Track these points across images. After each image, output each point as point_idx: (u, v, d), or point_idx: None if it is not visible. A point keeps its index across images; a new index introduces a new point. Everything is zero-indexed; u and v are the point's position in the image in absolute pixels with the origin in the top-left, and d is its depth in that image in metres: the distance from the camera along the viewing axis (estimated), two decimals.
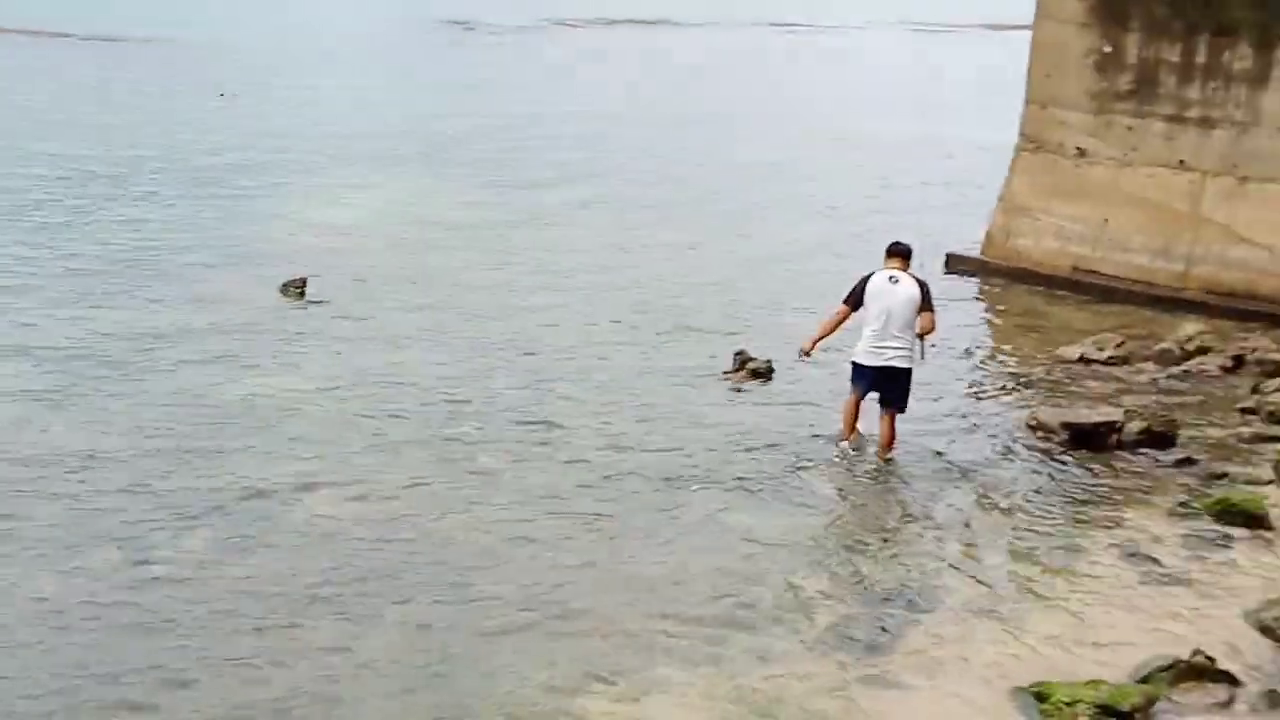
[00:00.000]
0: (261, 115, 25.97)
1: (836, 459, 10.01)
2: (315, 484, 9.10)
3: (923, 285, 9.94)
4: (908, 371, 9.90)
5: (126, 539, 8.17)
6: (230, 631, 7.23)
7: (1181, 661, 7.03)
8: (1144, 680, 6.96)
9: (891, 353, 9.79)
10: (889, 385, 9.92)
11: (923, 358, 10.09)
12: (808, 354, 10.34)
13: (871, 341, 9.84)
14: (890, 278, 9.89)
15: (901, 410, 10.00)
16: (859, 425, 10.16)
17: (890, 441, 9.99)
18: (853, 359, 10.06)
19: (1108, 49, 15.21)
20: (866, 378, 9.95)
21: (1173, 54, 14.85)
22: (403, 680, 6.83)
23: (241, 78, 30.69)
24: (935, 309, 9.99)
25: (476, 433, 10.22)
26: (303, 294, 13.33)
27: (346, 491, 9.03)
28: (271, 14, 49.71)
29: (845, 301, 10.06)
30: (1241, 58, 14.37)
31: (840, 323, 10.16)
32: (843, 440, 10.14)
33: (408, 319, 13.09)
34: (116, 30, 39.98)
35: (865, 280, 9.97)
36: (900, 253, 10.15)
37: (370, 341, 12.29)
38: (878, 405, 10.07)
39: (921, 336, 9.93)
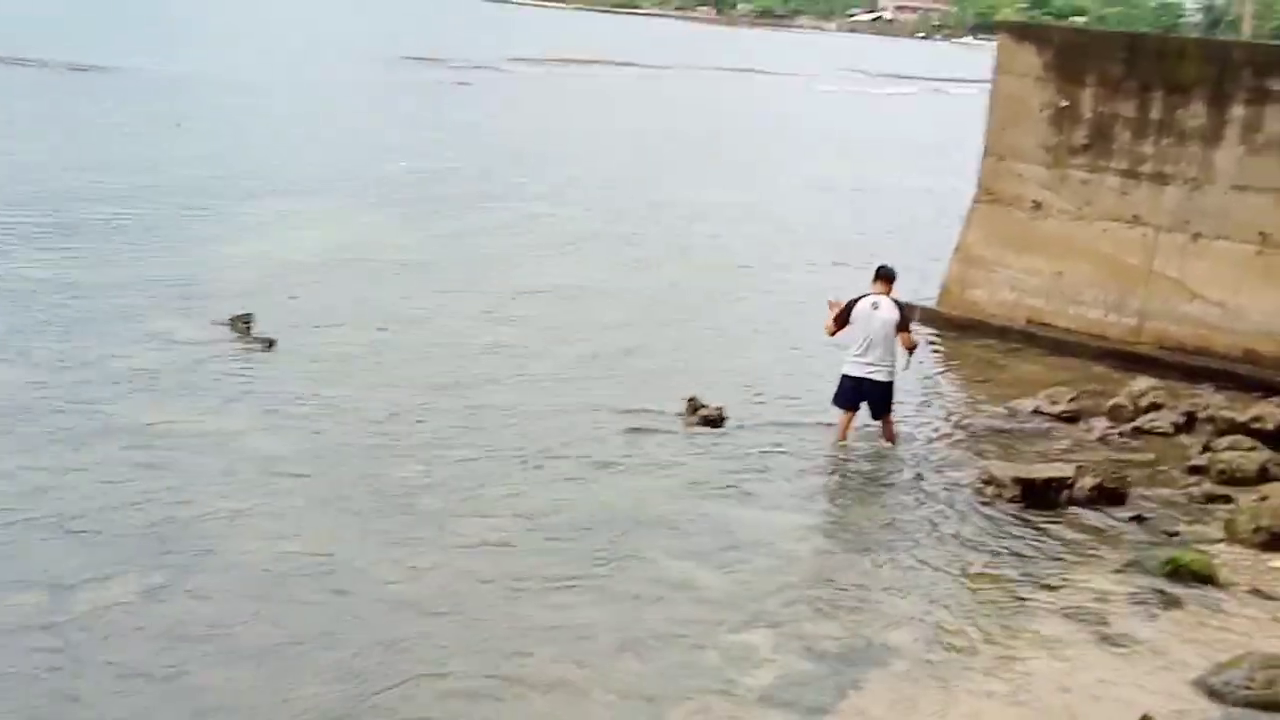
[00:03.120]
0: (216, 148, 25.69)
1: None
2: (248, 525, 8.85)
3: (901, 308, 11.21)
4: (889, 384, 11.22)
5: (49, 582, 7.88)
6: (149, 678, 6.97)
7: None
8: None
9: (873, 368, 11.08)
10: (873, 396, 11.20)
11: (906, 367, 11.43)
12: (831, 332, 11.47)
13: (855, 358, 11.14)
14: (873, 304, 11.10)
15: (889, 413, 11.34)
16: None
17: (891, 437, 11.36)
18: (842, 370, 11.26)
19: (1064, 103, 15.28)
20: (851, 388, 11.19)
21: (1127, 109, 14.96)
22: None
23: (199, 110, 30.43)
24: (912, 329, 11.44)
25: (418, 474, 10.00)
26: (249, 329, 13.08)
27: (280, 531, 8.79)
28: (235, 47, 49.62)
29: (834, 321, 11.30)
30: (1195, 115, 14.47)
31: (833, 332, 11.42)
32: (839, 440, 11.32)
33: (353, 355, 12.88)
34: (78, 58, 39.63)
35: (853, 303, 11.18)
36: (885, 276, 11.35)
37: (314, 378, 12.03)
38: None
39: (909, 352, 11.26)
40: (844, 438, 11.32)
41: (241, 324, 13.15)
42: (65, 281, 14.80)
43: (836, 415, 11.42)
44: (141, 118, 28.96)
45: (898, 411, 11.59)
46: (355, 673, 7.16)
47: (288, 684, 7.02)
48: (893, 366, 11.15)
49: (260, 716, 6.73)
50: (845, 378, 11.23)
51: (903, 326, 11.13)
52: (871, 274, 11.52)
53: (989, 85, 16.16)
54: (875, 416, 11.32)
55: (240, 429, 10.63)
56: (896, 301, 11.22)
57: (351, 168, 24.91)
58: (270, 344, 12.75)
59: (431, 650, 7.47)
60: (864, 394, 11.21)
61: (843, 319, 11.19)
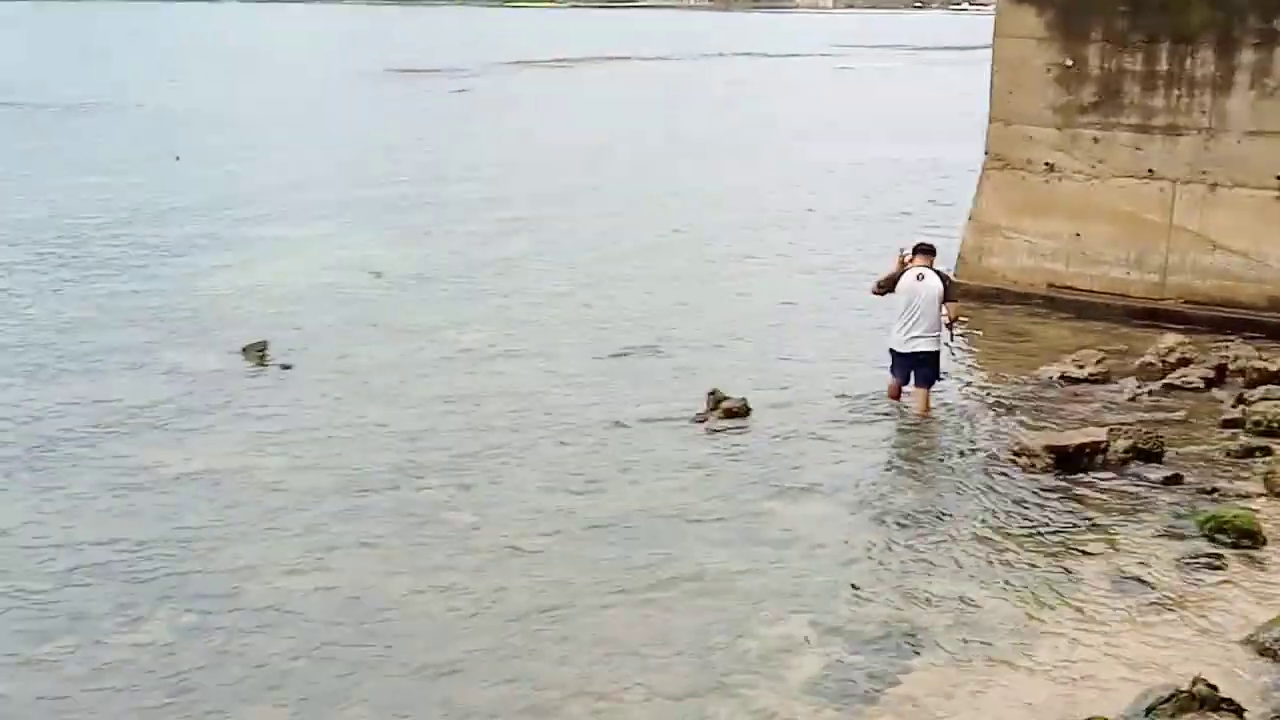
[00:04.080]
0: (215, 177, 25.69)
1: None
2: (279, 557, 8.76)
3: (945, 279, 11.49)
4: (935, 354, 11.46)
5: (80, 625, 7.82)
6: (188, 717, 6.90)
7: (1183, 691, 6.74)
8: (1148, 713, 6.68)
9: (920, 340, 11.29)
10: (919, 367, 11.45)
11: (951, 340, 11.82)
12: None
13: (902, 331, 11.34)
14: (918, 275, 11.30)
15: (932, 384, 11.54)
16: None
17: (926, 409, 11.49)
18: (889, 346, 11.56)
19: (1069, 63, 15.08)
20: (901, 363, 11.50)
21: (1135, 63, 14.74)
22: None
23: (195, 140, 30.43)
24: (957, 298, 11.65)
25: (445, 489, 9.90)
26: (263, 356, 13.01)
27: (312, 562, 8.69)
28: (223, 76, 49.73)
29: (879, 285, 11.58)
30: (1203, 63, 14.26)
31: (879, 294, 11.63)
32: (891, 399, 11.71)
33: (369, 374, 12.80)
34: (59, 97, 39.71)
35: (896, 276, 11.41)
36: (926, 251, 11.55)
37: (333, 401, 11.96)
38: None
39: (950, 324, 11.45)
40: (897, 397, 11.70)
41: (256, 352, 13.08)
42: (76, 318, 14.80)
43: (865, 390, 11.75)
44: (138, 153, 28.97)
45: (901, 439, 11.27)
46: (397, 703, 7.07)
47: (321, 713, 6.93)
48: (939, 334, 11.40)
49: None
50: (895, 354, 11.53)
51: (948, 296, 11.36)
52: (910, 248, 11.66)
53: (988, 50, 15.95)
54: (919, 384, 11.51)
55: (265, 459, 10.53)
56: (939, 272, 11.51)
57: (349, 186, 24.83)
58: (287, 368, 12.68)
59: (474, 670, 7.36)
60: (914, 365, 11.47)
61: (888, 288, 11.47)
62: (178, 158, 27.70)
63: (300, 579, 8.43)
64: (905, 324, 11.32)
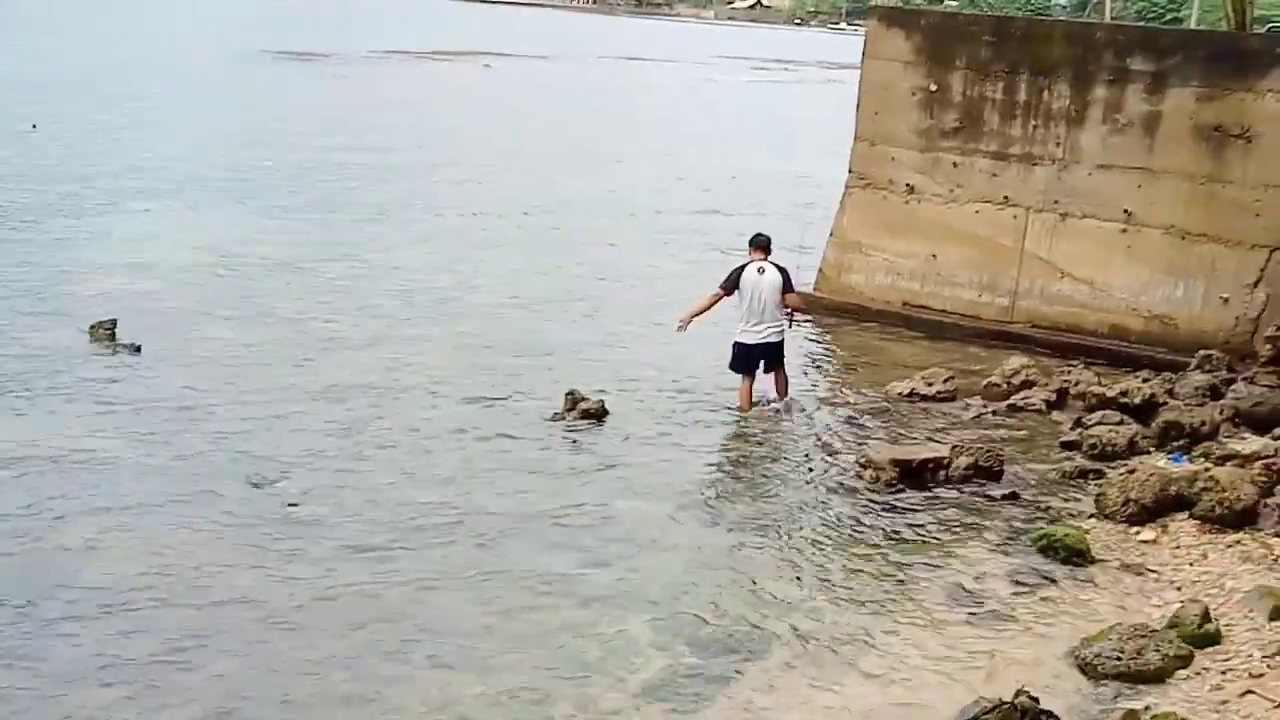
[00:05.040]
0: (73, 149, 24.84)
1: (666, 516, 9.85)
2: (114, 539, 8.55)
3: (783, 271, 11.87)
4: (781, 343, 11.96)
5: None
6: (11, 706, 6.70)
7: (1005, 702, 6.97)
8: None
9: (767, 330, 11.76)
10: (769, 355, 11.91)
11: (791, 326, 12.21)
12: (683, 328, 12.03)
13: (749, 324, 11.74)
14: (758, 269, 11.75)
15: (782, 367, 12.04)
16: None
17: (784, 390, 12.07)
18: (735, 339, 11.84)
19: (933, 88, 15.46)
20: (747, 354, 11.84)
21: (995, 92, 15.17)
22: None
23: (55, 111, 29.45)
24: (796, 288, 12.10)
25: (289, 481, 9.75)
26: (113, 336, 12.66)
27: (147, 547, 8.49)
28: (99, 48, 48.27)
29: (721, 287, 11.85)
30: (1060, 96, 14.74)
31: (714, 304, 11.96)
32: (742, 413, 11.87)
33: (221, 359, 12.52)
34: None
35: (739, 270, 11.80)
36: (762, 244, 11.95)
37: (181, 385, 11.67)
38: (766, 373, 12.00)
39: (790, 314, 11.99)
40: (747, 407, 11.90)
41: (104, 330, 12.71)
42: None
43: (717, 391, 12.13)
44: None
45: (745, 449, 11.31)
46: (227, 687, 6.97)
47: (156, 705, 6.79)
48: (782, 325, 11.89)
49: None
50: (740, 345, 11.85)
51: (788, 287, 11.82)
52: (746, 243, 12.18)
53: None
54: (768, 371, 11.99)
55: (104, 440, 10.26)
56: (778, 265, 11.89)
57: (215, 165, 24.29)
58: (136, 349, 12.35)
59: (305, 660, 7.29)
60: (759, 356, 11.87)
61: (730, 286, 11.77)
62: (34, 126, 26.77)
63: (132, 563, 8.24)
64: (751, 317, 11.74)
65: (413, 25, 78.06)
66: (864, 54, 16.10)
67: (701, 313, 11.98)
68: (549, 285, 16.70)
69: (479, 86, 47.42)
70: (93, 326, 12.77)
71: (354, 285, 15.90)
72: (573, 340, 14.16)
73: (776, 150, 32.88)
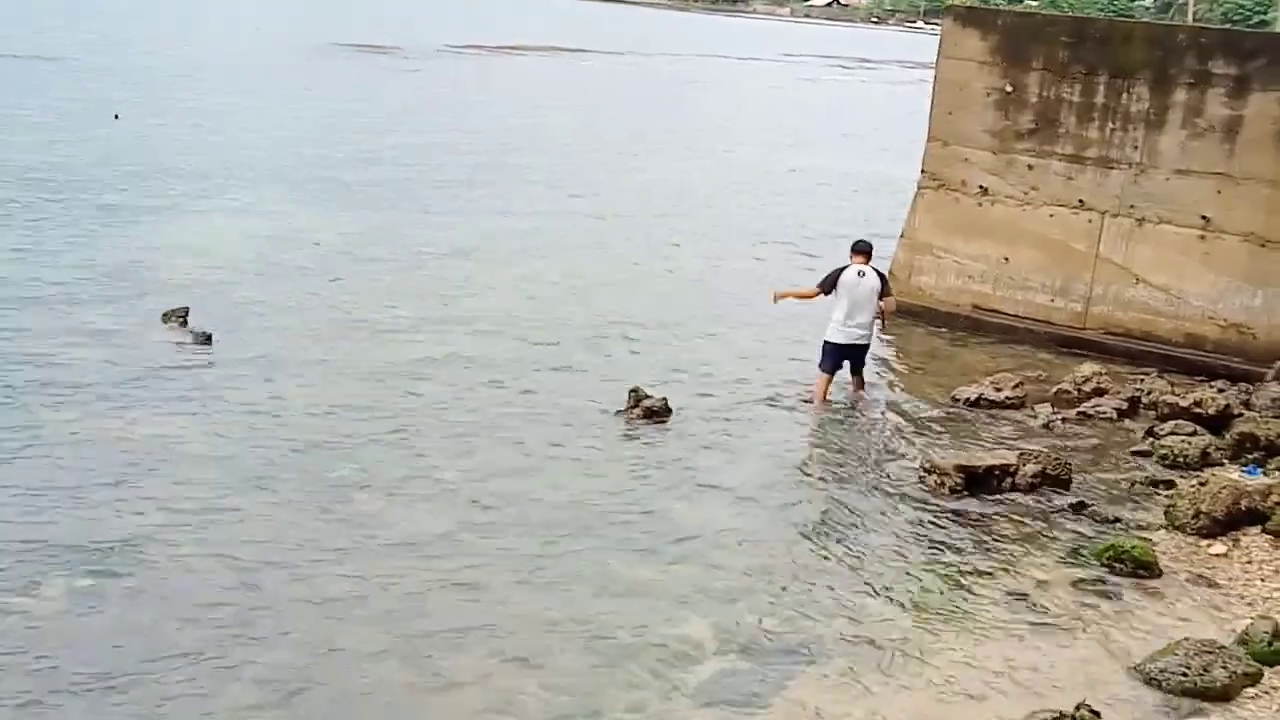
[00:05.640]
0: (155, 139, 25.31)
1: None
2: (181, 525, 8.65)
3: (882, 276, 12.27)
4: (868, 346, 12.38)
5: None
6: (86, 684, 6.80)
7: (1065, 714, 6.87)
8: None
9: (858, 333, 12.13)
10: (854, 356, 12.31)
11: (882, 329, 12.89)
12: (776, 299, 12.57)
13: (841, 324, 12.08)
14: (859, 272, 12.08)
15: (862, 371, 12.48)
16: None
17: (861, 388, 12.49)
18: (825, 338, 12.21)
19: (1009, 88, 15.26)
20: (836, 354, 12.21)
21: (1072, 94, 14.95)
22: None
23: (138, 100, 29.94)
24: (892, 292, 12.54)
25: (355, 472, 9.82)
26: (185, 324, 12.83)
27: (214, 532, 8.60)
28: (174, 36, 49.00)
29: (820, 285, 12.23)
30: (1139, 99, 14.49)
31: (810, 297, 12.42)
32: (815, 409, 12.11)
33: (293, 349, 12.64)
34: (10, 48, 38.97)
35: (839, 272, 12.13)
36: (863, 250, 12.26)
37: (250, 373, 11.82)
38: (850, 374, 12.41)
39: (883, 317, 12.37)
40: (824, 399, 12.22)
41: (177, 318, 12.89)
42: (12, 272, 14.50)
43: (806, 384, 12.40)
44: (79, 109, 28.48)
45: (813, 454, 11.36)
46: (285, 678, 7.03)
47: (216, 688, 6.87)
48: (873, 330, 12.33)
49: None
50: (831, 345, 12.21)
51: (885, 292, 12.20)
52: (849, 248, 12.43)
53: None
54: (853, 372, 12.42)
55: (176, 428, 10.39)
56: (877, 270, 12.27)
57: (293, 159, 24.57)
58: (207, 338, 12.51)
59: (363, 652, 7.33)
60: (845, 356, 12.26)
61: (829, 286, 12.12)
62: (116, 116, 27.24)
63: (192, 551, 8.33)
64: (845, 318, 12.04)
65: (482, 19, 78.43)
66: (939, 53, 15.93)
67: (798, 297, 12.59)
68: (615, 280, 16.70)
69: (563, 83, 47.58)
70: (165, 315, 12.96)
71: (428, 281, 15.99)
72: (637, 336, 14.14)
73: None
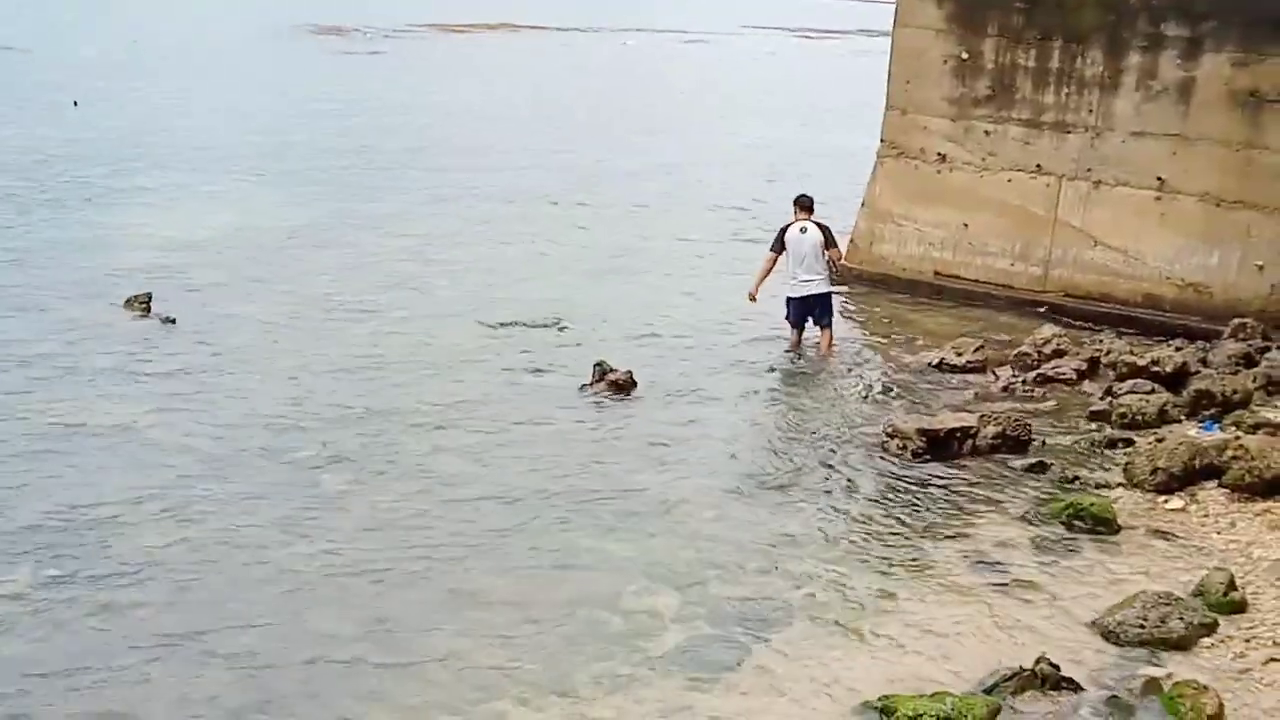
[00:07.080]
0: (113, 125, 25.15)
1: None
2: (146, 510, 8.68)
3: (824, 229, 12.82)
4: (827, 295, 12.96)
5: None
6: (55, 671, 6.84)
7: (1025, 670, 7.00)
8: (989, 690, 6.92)
9: (809, 285, 12.71)
10: (815, 309, 12.86)
11: (833, 280, 13.33)
12: (754, 298, 12.97)
13: (793, 278, 12.74)
14: (801, 229, 12.70)
15: (830, 323, 12.99)
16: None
17: (830, 346, 12.98)
18: (786, 295, 12.87)
19: (965, 55, 15.33)
20: (797, 307, 12.83)
21: (1028, 60, 15.02)
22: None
23: (96, 87, 29.69)
24: (837, 243, 13.04)
25: (320, 452, 9.86)
26: (148, 309, 12.82)
27: (179, 516, 8.63)
28: (130, 23, 48.52)
29: (772, 249, 12.87)
30: (1093, 63, 14.57)
31: (771, 268, 12.91)
32: (793, 352, 12.95)
33: (255, 332, 12.70)
34: None
35: (784, 230, 12.80)
36: (805, 205, 12.92)
37: (214, 357, 11.86)
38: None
39: (833, 267, 13.08)
40: (797, 349, 12.97)
41: (139, 303, 12.88)
42: None
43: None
44: (37, 97, 28.23)
45: (775, 419, 11.41)
46: (255, 658, 7.08)
47: (188, 672, 6.93)
48: (826, 276, 12.90)
49: (160, 703, 6.63)
50: (790, 300, 12.87)
51: (830, 243, 12.77)
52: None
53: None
54: (818, 324, 12.95)
55: (141, 412, 10.41)
56: (818, 223, 12.83)
57: (251, 143, 24.44)
58: (170, 322, 12.49)
59: (331, 631, 7.39)
60: (809, 308, 12.84)
61: (779, 246, 12.75)
62: (75, 103, 27.03)
63: (162, 535, 8.37)
64: (796, 272, 12.68)
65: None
66: (895, 22, 15.97)
67: (764, 275, 12.93)
68: (583, 256, 16.73)
69: (512, 61, 47.36)
70: (128, 300, 12.94)
71: (388, 261, 15.99)
72: (602, 310, 14.19)
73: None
